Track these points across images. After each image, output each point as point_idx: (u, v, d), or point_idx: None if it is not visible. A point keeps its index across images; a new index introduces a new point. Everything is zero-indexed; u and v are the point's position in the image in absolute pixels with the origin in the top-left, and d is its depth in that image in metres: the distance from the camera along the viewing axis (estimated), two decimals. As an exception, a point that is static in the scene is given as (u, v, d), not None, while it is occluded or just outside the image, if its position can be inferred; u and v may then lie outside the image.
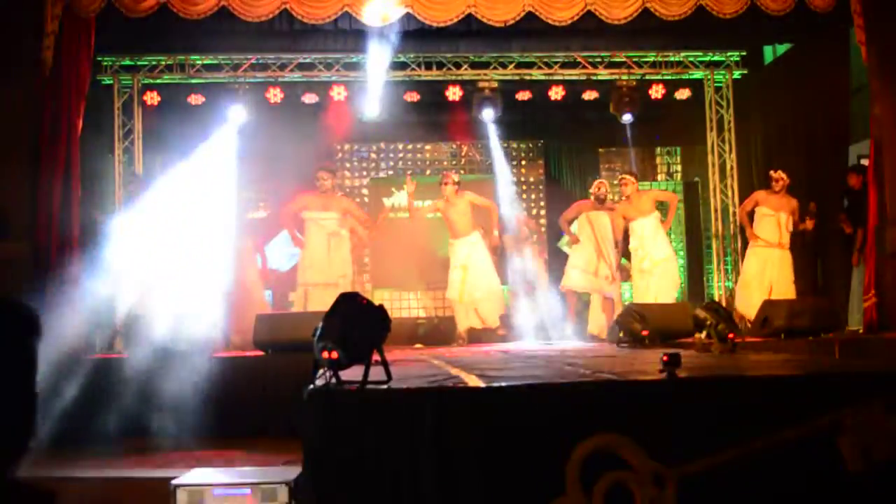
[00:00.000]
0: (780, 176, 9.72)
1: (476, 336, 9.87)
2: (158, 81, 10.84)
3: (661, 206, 10.55)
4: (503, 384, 3.72)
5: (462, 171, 12.75)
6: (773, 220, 9.69)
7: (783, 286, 9.63)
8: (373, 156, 13.13)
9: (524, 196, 12.85)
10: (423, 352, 8.00)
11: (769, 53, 11.72)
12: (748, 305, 9.65)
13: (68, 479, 5.40)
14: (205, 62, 10.70)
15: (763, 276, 9.67)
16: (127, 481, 5.47)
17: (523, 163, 13.27)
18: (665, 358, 3.73)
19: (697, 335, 7.60)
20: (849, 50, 9.86)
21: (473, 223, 9.98)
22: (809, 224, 9.64)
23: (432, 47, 10.53)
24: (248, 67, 10.69)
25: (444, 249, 12.60)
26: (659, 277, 9.95)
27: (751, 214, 10.01)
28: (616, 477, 3.14)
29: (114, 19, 8.71)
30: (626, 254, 11.23)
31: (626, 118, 10.99)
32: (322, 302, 8.97)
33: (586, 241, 10.03)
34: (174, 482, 4.29)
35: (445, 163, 13.15)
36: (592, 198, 10.18)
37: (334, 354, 3.44)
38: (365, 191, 12.78)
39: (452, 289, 9.89)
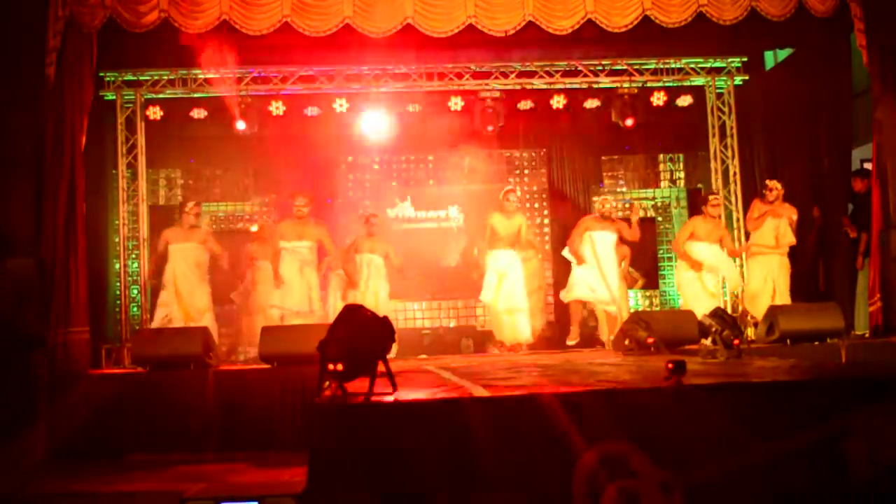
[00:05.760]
0: (774, 185, 9.64)
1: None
2: (161, 96, 10.85)
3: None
4: (509, 394, 3.71)
5: (465, 182, 12.75)
6: (771, 228, 9.64)
7: (781, 291, 9.58)
8: (375, 167, 13.11)
9: (527, 205, 12.82)
10: (429, 362, 7.98)
11: (770, 59, 11.72)
12: (760, 313, 9.61)
13: (78, 494, 5.41)
14: (207, 76, 10.71)
15: (767, 282, 9.62)
16: (137, 496, 5.48)
17: (526, 172, 13.26)
18: (670, 365, 3.73)
19: (703, 342, 7.61)
20: (850, 54, 9.85)
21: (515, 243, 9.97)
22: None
23: (434, 58, 10.54)
24: (249, 81, 10.70)
25: (448, 259, 12.63)
26: None
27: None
28: (623, 485, 3.14)
29: (116, 34, 8.74)
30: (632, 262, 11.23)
31: (628, 122, 11.03)
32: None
33: (588, 259, 9.96)
34: (183, 496, 4.30)
35: (448, 173, 13.12)
36: (597, 213, 10.14)
37: (339, 366, 3.45)
38: (367, 202, 12.74)
39: (487, 291, 9.80)
